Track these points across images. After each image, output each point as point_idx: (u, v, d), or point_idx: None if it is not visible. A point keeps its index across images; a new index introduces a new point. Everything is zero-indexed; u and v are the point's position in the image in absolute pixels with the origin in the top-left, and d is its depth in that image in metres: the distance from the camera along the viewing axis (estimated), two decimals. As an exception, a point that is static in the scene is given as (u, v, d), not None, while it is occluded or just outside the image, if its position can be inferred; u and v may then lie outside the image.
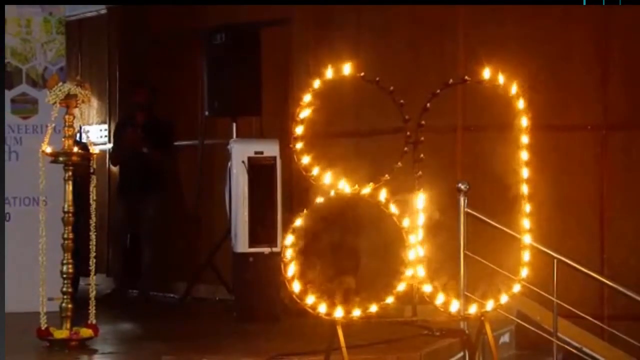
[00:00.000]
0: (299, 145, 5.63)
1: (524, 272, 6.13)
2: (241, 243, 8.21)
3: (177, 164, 10.56)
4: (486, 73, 6.00)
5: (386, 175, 5.79)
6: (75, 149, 6.73)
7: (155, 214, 9.83)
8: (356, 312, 5.72)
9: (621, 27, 8.35)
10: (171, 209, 10.22)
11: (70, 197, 6.68)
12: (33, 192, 7.63)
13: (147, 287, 9.88)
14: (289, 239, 5.57)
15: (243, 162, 8.22)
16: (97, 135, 11.65)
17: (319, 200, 5.65)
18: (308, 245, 5.61)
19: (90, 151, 6.78)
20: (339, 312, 5.65)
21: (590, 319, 7.35)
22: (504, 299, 6.19)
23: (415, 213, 5.88)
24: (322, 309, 5.62)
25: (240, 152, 8.29)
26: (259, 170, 8.22)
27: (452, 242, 6.89)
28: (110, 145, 11.13)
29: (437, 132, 6.22)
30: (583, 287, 7.64)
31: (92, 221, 6.73)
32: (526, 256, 6.14)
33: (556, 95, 8.24)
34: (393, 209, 5.80)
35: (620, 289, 6.95)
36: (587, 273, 7.06)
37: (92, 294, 6.75)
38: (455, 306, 6.08)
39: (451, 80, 6.12)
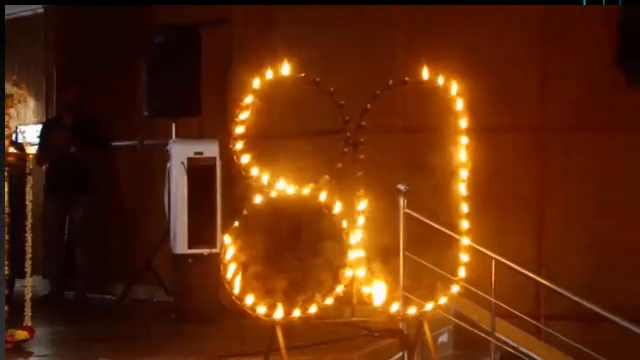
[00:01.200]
0: (239, 146, 5.61)
1: (462, 272, 6.18)
2: (180, 244, 8.17)
3: (115, 164, 10.48)
4: (425, 74, 6.04)
5: (326, 176, 5.80)
6: (12, 149, 6.63)
7: (84, 215, 9.74)
8: (296, 313, 5.71)
9: (561, 28, 8.45)
10: (106, 210, 10.14)
11: (5, 198, 6.58)
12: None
13: (83, 288, 9.79)
14: (228, 239, 5.54)
15: (182, 162, 8.18)
16: (34, 135, 11.48)
17: (258, 200, 5.63)
18: (247, 246, 5.59)
19: (26, 151, 6.69)
20: (278, 313, 5.64)
21: (527, 318, 7.43)
22: (442, 299, 6.23)
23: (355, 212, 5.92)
24: (262, 310, 5.61)
25: (180, 152, 8.25)
26: (198, 171, 8.19)
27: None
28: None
29: (377, 133, 6.23)
30: (520, 287, 7.71)
31: (28, 222, 6.64)
32: (464, 256, 6.20)
33: (495, 96, 8.30)
34: (335, 209, 5.82)
35: (557, 289, 7.02)
36: (524, 273, 7.12)
37: (28, 296, 6.66)
38: (394, 307, 6.11)
39: (391, 82, 6.14)
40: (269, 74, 5.68)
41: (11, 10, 11.41)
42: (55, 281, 9.95)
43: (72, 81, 10.28)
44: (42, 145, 10.09)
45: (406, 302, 6.50)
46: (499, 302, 6.95)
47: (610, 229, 8.26)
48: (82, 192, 9.74)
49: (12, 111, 6.68)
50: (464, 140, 6.10)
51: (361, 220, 5.96)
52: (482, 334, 7.18)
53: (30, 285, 6.69)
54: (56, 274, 9.96)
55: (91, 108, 10.03)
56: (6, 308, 6.52)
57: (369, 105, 5.95)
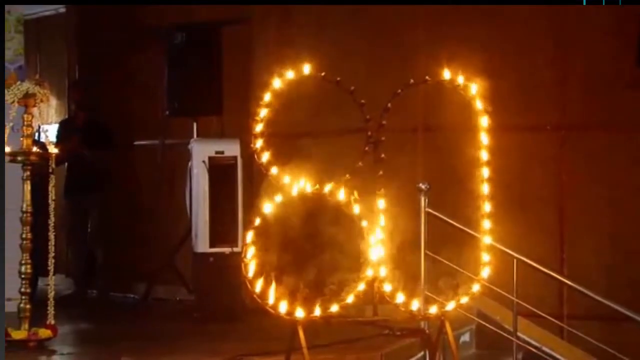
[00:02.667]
0: (259, 144, 5.61)
1: (485, 272, 6.16)
2: (202, 243, 8.18)
3: (136, 163, 10.51)
4: (446, 73, 6.03)
5: (347, 175, 5.79)
6: (34, 149, 6.65)
7: (100, 214, 9.77)
8: (317, 312, 5.70)
9: (580, 28, 8.42)
10: (128, 209, 10.17)
11: (28, 196, 6.61)
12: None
13: (104, 287, 9.82)
14: (249, 238, 5.54)
15: (204, 161, 8.19)
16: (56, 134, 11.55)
17: (278, 199, 5.62)
18: (269, 245, 5.59)
19: (49, 151, 6.72)
20: (299, 312, 5.64)
21: (550, 318, 7.40)
22: (464, 298, 6.21)
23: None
24: (283, 308, 5.60)
25: (201, 151, 8.27)
26: (219, 169, 8.20)
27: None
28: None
29: (398, 132, 6.23)
30: (543, 287, 7.69)
31: (51, 221, 6.66)
32: (486, 256, 6.17)
33: (516, 95, 8.28)
34: (355, 209, 5.81)
35: (580, 288, 6.99)
36: (546, 273, 7.10)
37: (51, 295, 6.68)
38: (415, 305, 6.10)
39: (412, 80, 6.13)
40: (290, 73, 5.68)
41: (34, 10, 11.48)
42: (79, 280, 9.99)
43: (75, 81, 10.36)
44: (57, 144, 10.10)
45: (428, 301, 6.49)
46: (521, 302, 6.92)
47: (632, 228, 8.21)
48: (96, 191, 9.78)
49: (34, 110, 6.70)
50: (484, 139, 6.08)
51: (382, 219, 5.95)
52: (505, 334, 7.16)
53: (53, 283, 6.71)
54: (79, 273, 10.00)
55: (112, 107, 10.06)
56: (29, 306, 6.58)
57: (389, 104, 5.94)
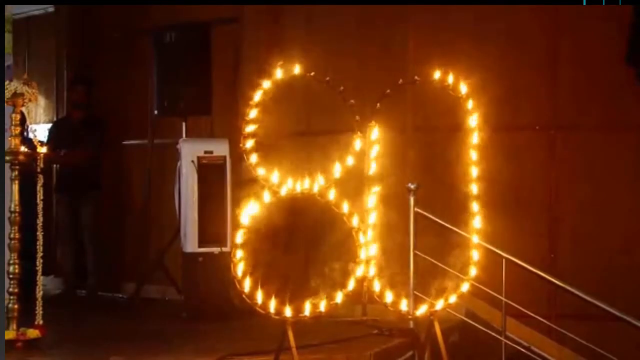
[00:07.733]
0: (249, 145, 5.62)
1: (473, 272, 6.18)
2: (191, 243, 8.18)
3: (127, 163, 10.50)
4: (436, 73, 6.04)
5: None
6: (23, 148, 6.63)
7: (95, 212, 9.74)
8: (306, 311, 5.70)
9: (571, 28, 8.43)
10: (118, 209, 10.14)
11: (16, 196, 6.59)
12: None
13: (94, 287, 9.80)
14: (239, 238, 5.54)
15: (192, 161, 8.19)
16: (45, 134, 11.52)
17: (267, 199, 5.63)
18: (258, 244, 5.59)
19: (38, 150, 6.70)
20: (288, 312, 5.64)
21: (539, 318, 7.41)
22: (453, 298, 6.23)
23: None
24: (272, 308, 5.60)
25: (190, 151, 8.26)
26: (208, 169, 8.19)
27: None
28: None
29: (387, 132, 6.23)
30: (531, 287, 7.69)
31: (39, 221, 6.64)
32: (475, 255, 6.19)
33: (505, 95, 8.29)
34: (344, 208, 5.81)
35: (568, 288, 7.01)
36: (535, 272, 7.11)
37: (39, 294, 6.66)
38: (404, 305, 6.11)
39: (401, 80, 6.15)
40: (279, 73, 5.69)
41: (22, 10, 11.44)
42: (68, 279, 9.96)
43: (73, 79, 10.31)
44: (49, 143, 10.06)
45: (417, 301, 6.50)
46: (510, 302, 6.93)
47: (621, 229, 8.24)
48: (93, 188, 9.75)
49: (23, 110, 6.68)
50: (474, 138, 6.10)
51: (372, 218, 5.96)
52: (493, 334, 7.17)
53: (41, 283, 6.69)
54: (69, 272, 9.97)
55: (102, 107, 10.04)
56: (17, 306, 6.56)
57: (378, 105, 5.95)
